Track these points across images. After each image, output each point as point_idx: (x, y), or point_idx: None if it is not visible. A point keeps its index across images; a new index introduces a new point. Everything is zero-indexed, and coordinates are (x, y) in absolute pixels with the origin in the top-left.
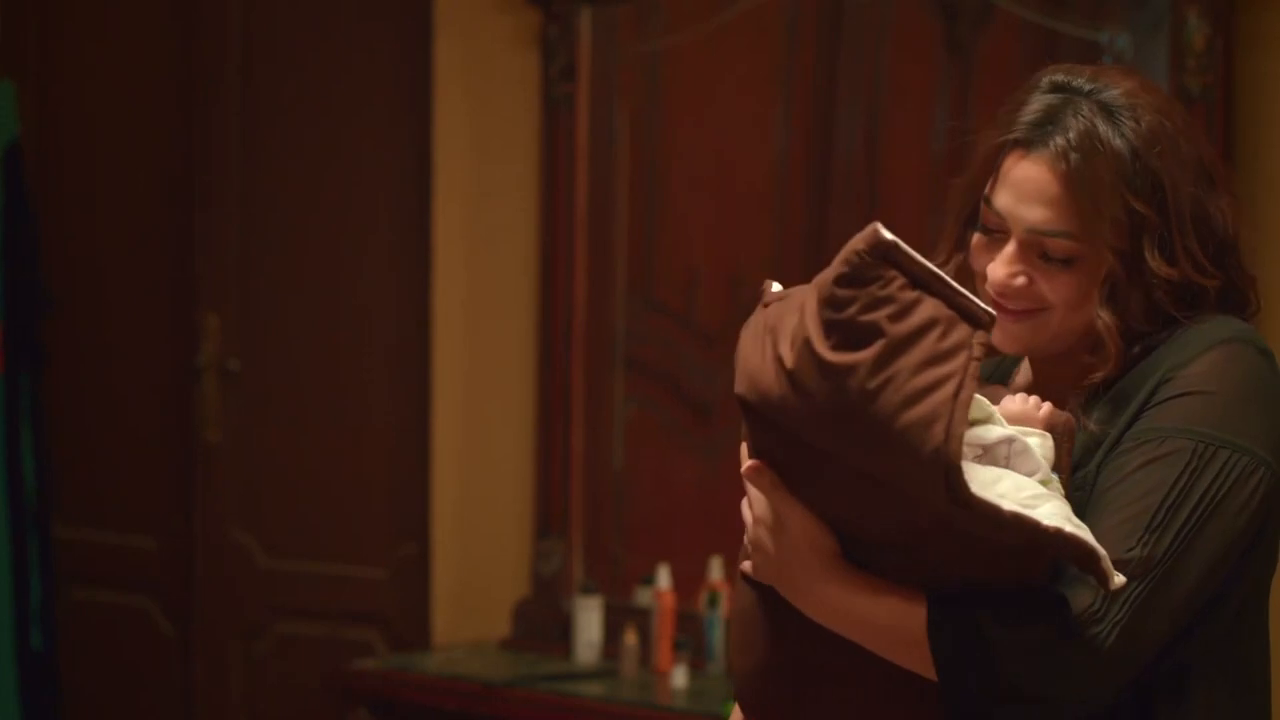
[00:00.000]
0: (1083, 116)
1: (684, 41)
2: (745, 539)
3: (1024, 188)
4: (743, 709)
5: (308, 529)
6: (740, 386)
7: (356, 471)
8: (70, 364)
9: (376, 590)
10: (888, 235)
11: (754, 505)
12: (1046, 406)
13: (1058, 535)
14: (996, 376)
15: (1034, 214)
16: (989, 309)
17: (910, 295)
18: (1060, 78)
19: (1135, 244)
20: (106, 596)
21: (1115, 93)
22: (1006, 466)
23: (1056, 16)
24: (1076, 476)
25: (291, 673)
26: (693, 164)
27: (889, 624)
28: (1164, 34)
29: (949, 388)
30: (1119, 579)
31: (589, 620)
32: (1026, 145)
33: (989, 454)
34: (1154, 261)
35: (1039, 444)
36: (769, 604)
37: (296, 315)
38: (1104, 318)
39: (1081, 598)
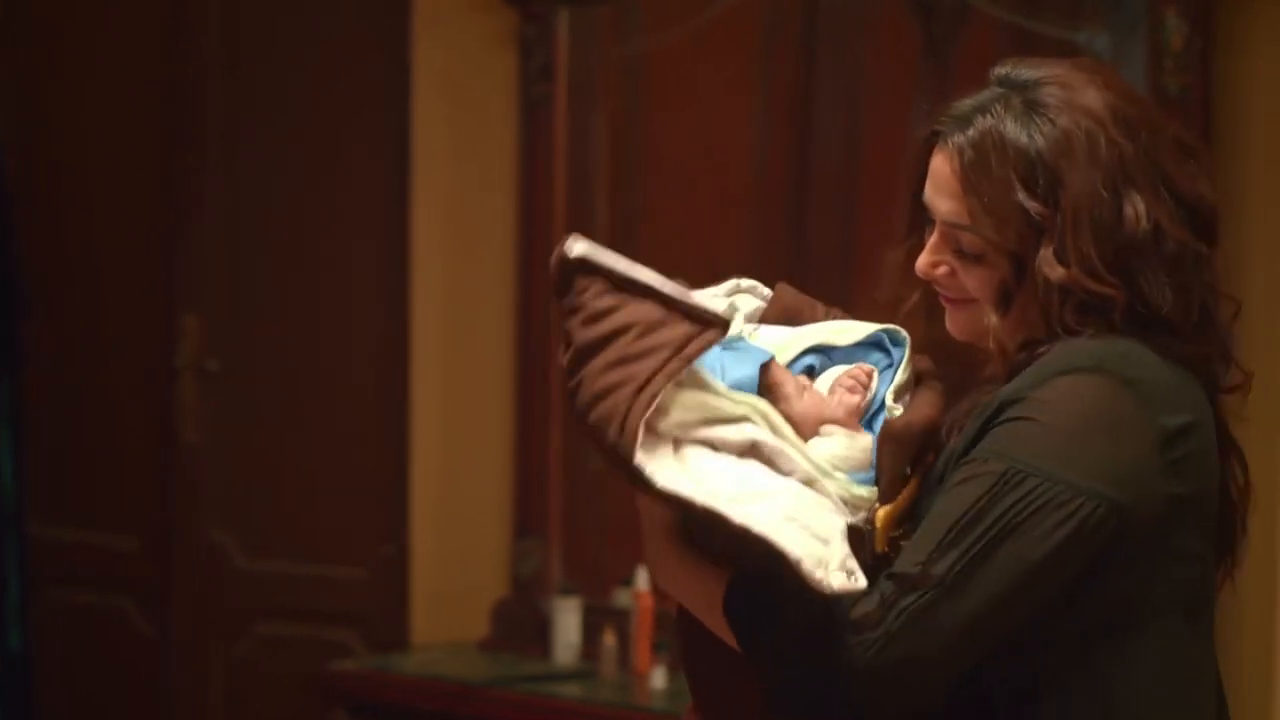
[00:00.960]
0: (994, 113)
1: (663, 42)
2: None
3: (935, 180)
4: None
5: (287, 529)
6: None
7: (335, 472)
8: (49, 364)
9: (355, 591)
10: (575, 250)
11: None
12: (847, 399)
13: (743, 532)
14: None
15: (943, 206)
16: (717, 313)
17: (606, 302)
18: (1006, 70)
19: (1033, 246)
20: (85, 597)
21: (1049, 89)
22: (769, 464)
23: (1033, 16)
24: (943, 485)
25: (271, 673)
26: (672, 164)
27: (705, 597)
28: (1142, 34)
29: (631, 386)
30: (841, 583)
31: (568, 621)
32: (942, 138)
33: (754, 451)
34: (1046, 265)
35: (842, 443)
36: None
37: (275, 316)
38: (990, 319)
39: (866, 603)
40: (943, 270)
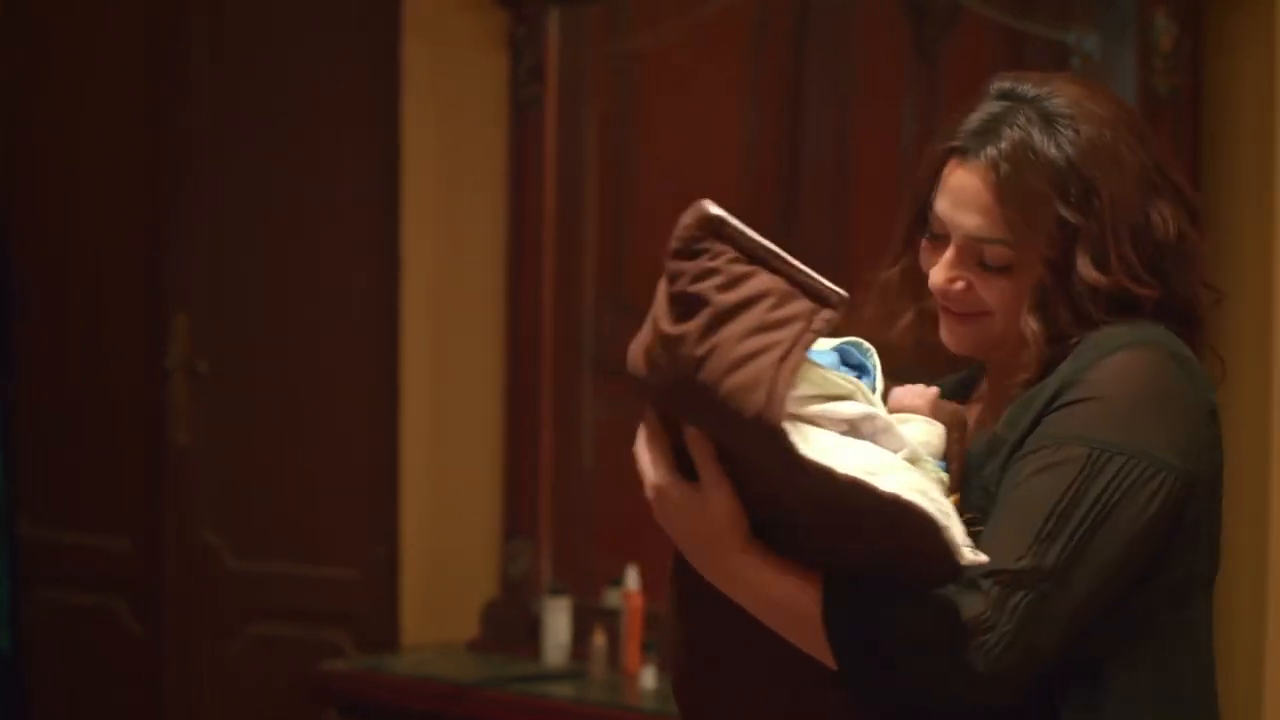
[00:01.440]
0: (1018, 126)
1: (653, 42)
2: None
3: (960, 195)
4: (674, 690)
5: (278, 530)
6: (628, 367)
7: (326, 473)
8: (40, 365)
9: (346, 591)
10: (715, 210)
11: (656, 473)
12: (930, 392)
13: (894, 501)
14: (958, 392)
15: (969, 221)
16: (838, 290)
17: (740, 269)
18: (1007, 85)
19: (1068, 252)
20: (76, 597)
21: (1060, 100)
22: (872, 443)
23: (1024, 17)
24: (983, 474)
25: (262, 674)
26: (661, 165)
27: (789, 605)
28: (1131, 35)
29: (774, 354)
30: (971, 555)
31: (558, 621)
32: (964, 153)
33: (854, 429)
34: (1085, 270)
35: (923, 429)
36: (682, 577)
37: (265, 317)
38: (1030, 325)
39: (973, 604)
40: (960, 285)
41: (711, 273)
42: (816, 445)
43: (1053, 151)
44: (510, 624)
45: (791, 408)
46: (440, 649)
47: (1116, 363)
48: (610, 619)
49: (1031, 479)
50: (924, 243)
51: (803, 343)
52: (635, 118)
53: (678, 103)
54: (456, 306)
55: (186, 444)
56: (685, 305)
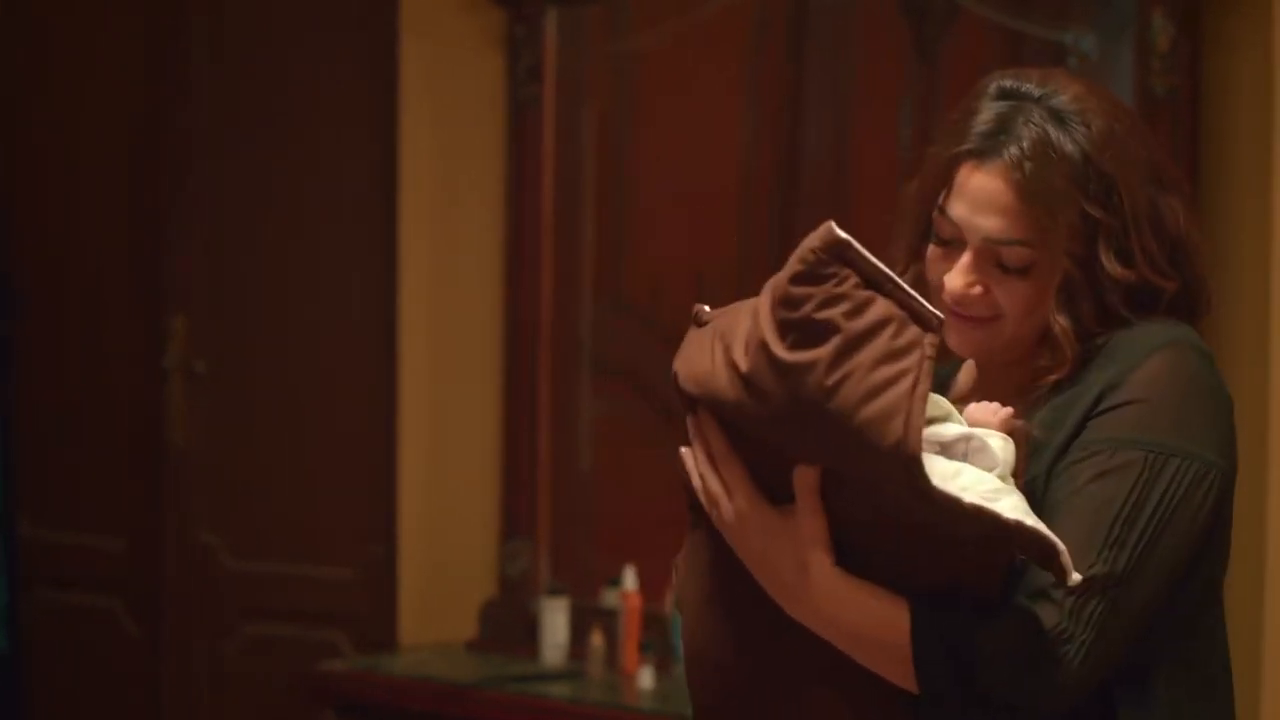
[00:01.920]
0: (1034, 124)
1: (651, 42)
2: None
3: (979, 198)
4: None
5: (275, 530)
6: (692, 389)
7: (324, 473)
8: (38, 366)
9: (344, 591)
10: (841, 234)
11: (738, 498)
12: (1006, 411)
13: (1019, 528)
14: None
15: (990, 224)
16: (937, 312)
17: (864, 294)
18: (1009, 83)
19: (1090, 248)
20: (74, 598)
21: (1064, 98)
22: (964, 462)
23: (1022, 18)
24: (1056, 483)
25: (259, 674)
26: (660, 165)
27: (872, 629)
28: (1129, 35)
29: (906, 382)
30: (1076, 575)
31: (555, 621)
32: (980, 155)
33: (947, 450)
34: (1109, 264)
35: (1000, 445)
36: (738, 598)
37: (263, 317)
38: (1060, 322)
39: (1048, 615)
40: (978, 290)
41: (840, 299)
42: (937, 472)
43: (1070, 147)
44: (508, 624)
45: None
46: (438, 649)
47: (1159, 363)
48: (608, 619)
49: (1090, 485)
50: (931, 250)
51: (925, 370)
52: (634, 117)
53: (676, 102)
54: (454, 306)
55: (184, 444)
56: (809, 331)
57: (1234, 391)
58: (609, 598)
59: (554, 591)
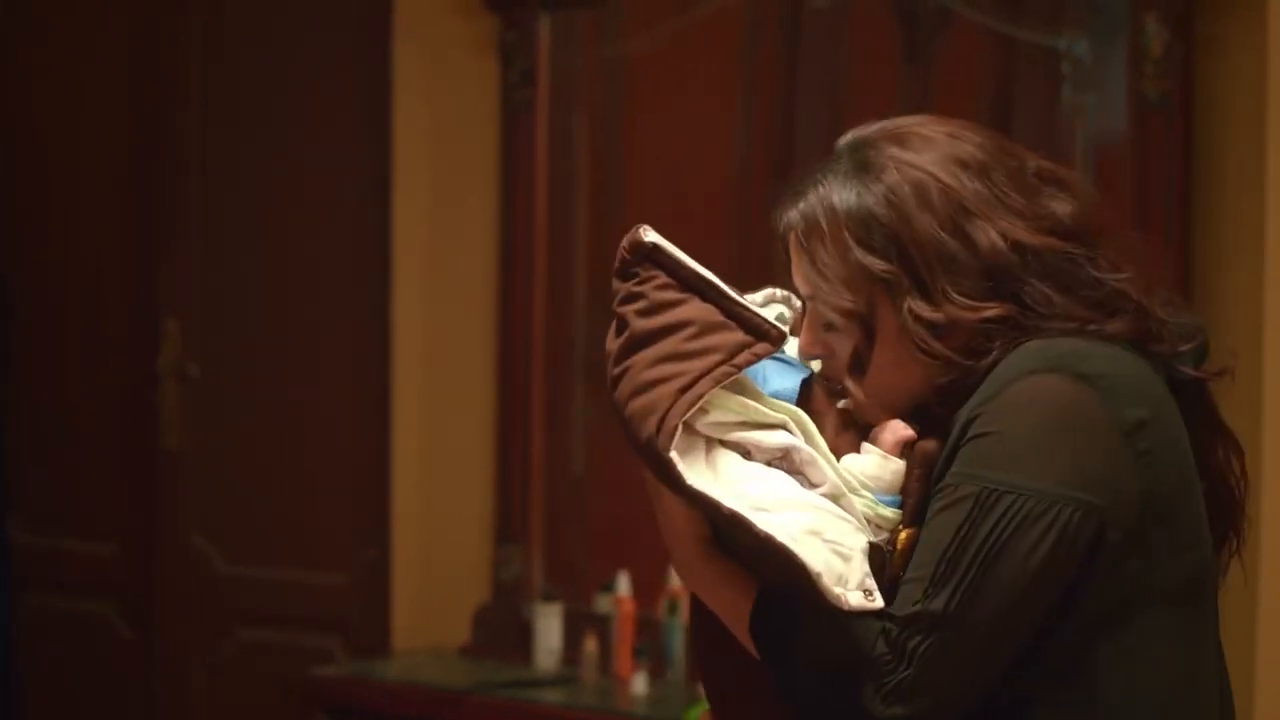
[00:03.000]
0: (823, 183)
1: (643, 46)
2: None
3: (790, 260)
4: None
5: (268, 535)
6: None
7: (317, 477)
8: (30, 368)
9: (337, 596)
10: (650, 237)
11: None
12: (904, 433)
13: (767, 540)
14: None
15: (799, 285)
16: (776, 324)
17: (667, 295)
18: (850, 134)
19: (893, 301)
20: (67, 603)
21: (878, 147)
22: (800, 475)
23: (1015, 23)
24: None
25: (252, 679)
26: (653, 169)
27: (732, 610)
28: (1122, 40)
29: (677, 383)
30: (856, 600)
31: (549, 627)
32: (777, 217)
33: (786, 459)
34: (917, 309)
35: (874, 464)
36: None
37: (256, 321)
38: (848, 384)
39: (878, 642)
40: (817, 350)
41: (636, 297)
42: (726, 474)
43: (851, 200)
44: (501, 629)
45: (714, 433)
46: (431, 654)
47: (1014, 394)
48: (602, 624)
49: (932, 520)
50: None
51: (714, 375)
52: (626, 122)
53: (669, 107)
54: (448, 310)
55: (177, 449)
56: (617, 324)
57: (1227, 395)
58: (602, 603)
59: (547, 597)
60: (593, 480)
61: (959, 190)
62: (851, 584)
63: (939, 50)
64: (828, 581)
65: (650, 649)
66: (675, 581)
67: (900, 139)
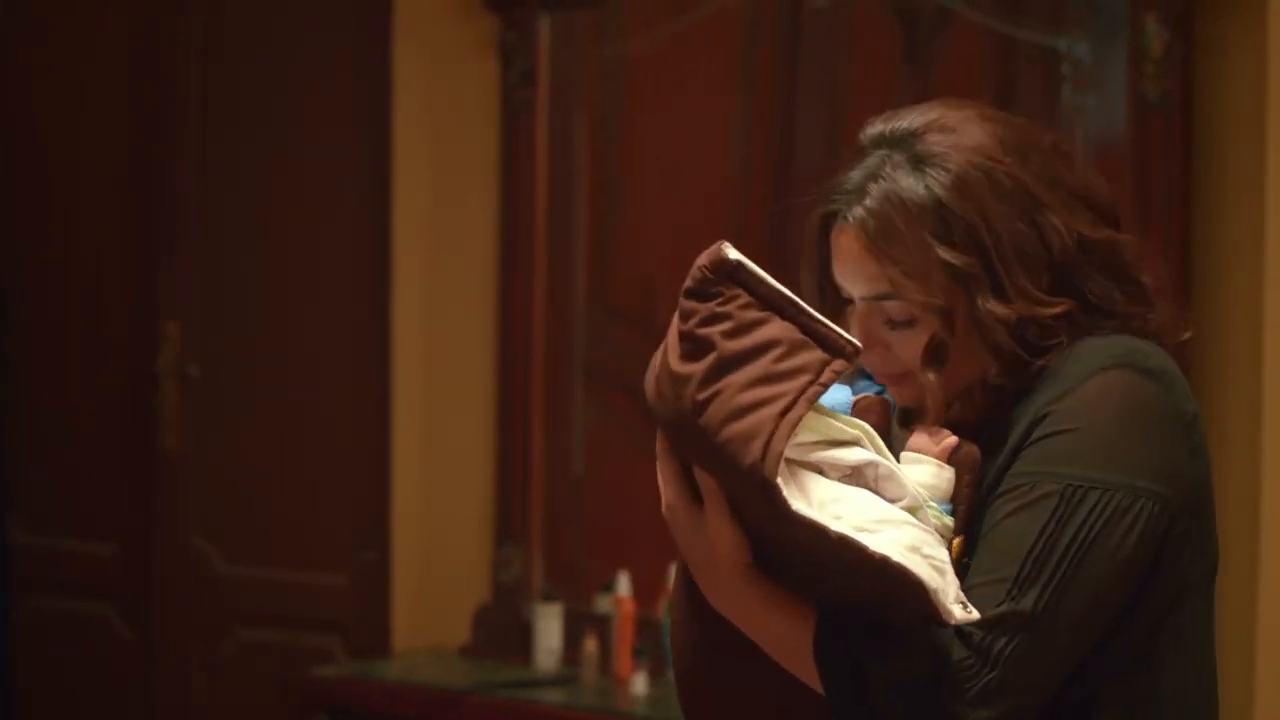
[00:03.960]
0: (885, 177)
1: (643, 47)
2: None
3: (845, 260)
4: (677, 683)
5: (268, 535)
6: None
7: (316, 478)
8: (30, 369)
9: (337, 597)
10: (732, 255)
11: (667, 492)
12: (948, 440)
13: (883, 563)
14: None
15: (857, 285)
16: (853, 340)
17: (751, 315)
18: (879, 129)
19: (966, 294)
20: (66, 603)
21: (929, 139)
22: (875, 490)
23: (1014, 23)
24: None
25: (252, 679)
26: (653, 170)
27: (783, 637)
28: (1122, 40)
29: (777, 406)
30: (961, 614)
31: (549, 627)
32: (836, 216)
33: (857, 475)
34: (989, 306)
35: (931, 473)
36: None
37: (256, 322)
38: (927, 378)
39: (956, 649)
40: (877, 349)
41: (722, 317)
42: (815, 497)
43: (921, 193)
44: (501, 629)
45: (794, 454)
46: (431, 654)
47: (1089, 390)
48: (602, 624)
49: (1007, 520)
50: (849, 311)
51: (808, 395)
52: (626, 122)
53: (669, 107)
54: (448, 311)
55: (176, 449)
56: (694, 345)
57: (1227, 395)
58: (602, 603)
59: (547, 597)
60: (593, 480)
61: (1023, 176)
62: (950, 597)
63: (939, 50)
64: (941, 597)
65: (650, 649)
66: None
67: (947, 124)
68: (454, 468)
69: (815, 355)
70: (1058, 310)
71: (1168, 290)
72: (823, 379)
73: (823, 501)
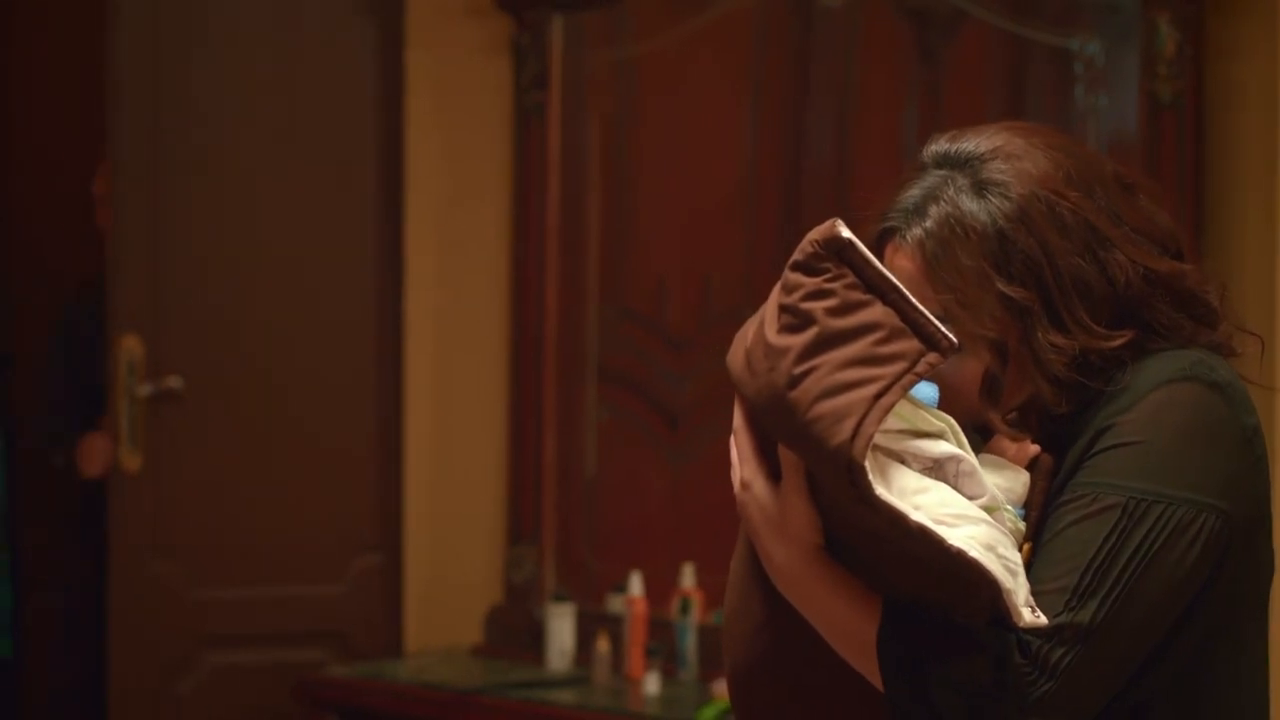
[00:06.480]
0: (946, 200)
1: (655, 48)
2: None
3: (899, 278)
4: (730, 676)
5: (272, 546)
6: (728, 361)
7: (330, 479)
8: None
9: (349, 599)
10: (845, 233)
11: (744, 468)
12: (1030, 447)
13: (959, 556)
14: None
15: None
16: (949, 335)
17: (857, 296)
18: (943, 147)
19: (1024, 328)
20: (78, 604)
21: (993, 165)
22: (954, 486)
23: (1027, 24)
24: (1049, 525)
25: (264, 683)
26: (664, 171)
27: (845, 624)
28: (1134, 41)
29: (871, 388)
30: (1030, 617)
31: (561, 627)
32: (895, 233)
33: (939, 469)
34: (1045, 337)
35: (1008, 476)
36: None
37: (267, 326)
38: (986, 412)
39: (1016, 655)
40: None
41: (826, 293)
42: (897, 485)
43: (983, 220)
44: (513, 630)
45: (880, 441)
46: (443, 655)
47: (1152, 403)
48: (614, 625)
49: (1069, 529)
50: None
51: (903, 383)
52: (638, 124)
53: (680, 109)
54: (460, 312)
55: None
56: (795, 319)
57: None
58: (614, 603)
59: (559, 597)
60: (604, 481)
61: (1087, 210)
62: (1021, 600)
63: (951, 51)
64: (1014, 599)
65: (662, 649)
66: (687, 582)
67: (1012, 152)
68: (466, 468)
69: (913, 344)
70: (1119, 342)
71: (1230, 307)
72: (918, 369)
73: (904, 490)
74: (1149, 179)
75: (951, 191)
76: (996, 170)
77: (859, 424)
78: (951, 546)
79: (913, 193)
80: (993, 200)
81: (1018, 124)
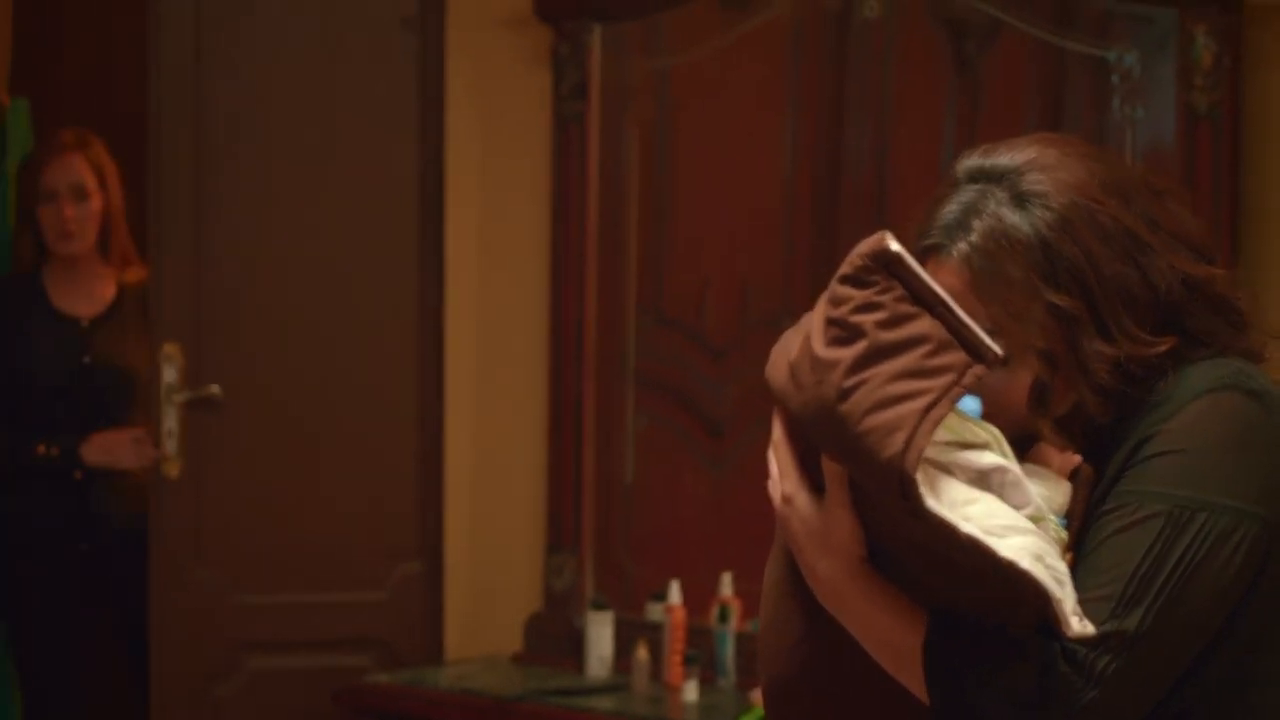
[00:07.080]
0: (989, 213)
1: (693, 58)
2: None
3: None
4: (766, 690)
5: (311, 554)
6: (767, 374)
7: (370, 488)
8: None
9: (389, 606)
10: (894, 246)
11: (785, 482)
12: (1073, 457)
13: (1010, 567)
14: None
15: None
16: (994, 347)
17: (906, 309)
18: (977, 162)
19: (1070, 337)
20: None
21: (1031, 177)
22: (1000, 496)
23: (1064, 35)
24: (1092, 534)
25: (305, 690)
26: (702, 180)
27: (890, 636)
28: (1171, 52)
29: (921, 401)
30: (1078, 626)
31: (600, 635)
32: (938, 250)
33: (983, 479)
34: (1091, 345)
35: (1051, 485)
36: (801, 583)
37: (309, 335)
38: (1036, 423)
39: (1060, 663)
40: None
41: (876, 306)
42: (946, 496)
43: (1027, 232)
44: (553, 637)
45: (928, 453)
46: (483, 662)
47: (1194, 412)
48: (653, 632)
49: (1113, 538)
50: None
51: (952, 395)
52: (677, 133)
53: (719, 118)
54: (500, 321)
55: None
56: (844, 332)
57: None
58: (653, 611)
59: (598, 605)
60: (643, 488)
61: (1126, 218)
62: (1069, 608)
63: (988, 62)
64: (1064, 606)
65: (701, 657)
66: (726, 589)
67: (1048, 163)
68: (506, 476)
69: (959, 356)
70: (1162, 349)
71: (1260, 313)
72: (965, 381)
73: (953, 502)
74: (1178, 184)
75: (993, 205)
76: (1035, 181)
77: (910, 436)
78: (1002, 558)
79: (950, 208)
80: (1035, 211)
81: (1047, 135)
